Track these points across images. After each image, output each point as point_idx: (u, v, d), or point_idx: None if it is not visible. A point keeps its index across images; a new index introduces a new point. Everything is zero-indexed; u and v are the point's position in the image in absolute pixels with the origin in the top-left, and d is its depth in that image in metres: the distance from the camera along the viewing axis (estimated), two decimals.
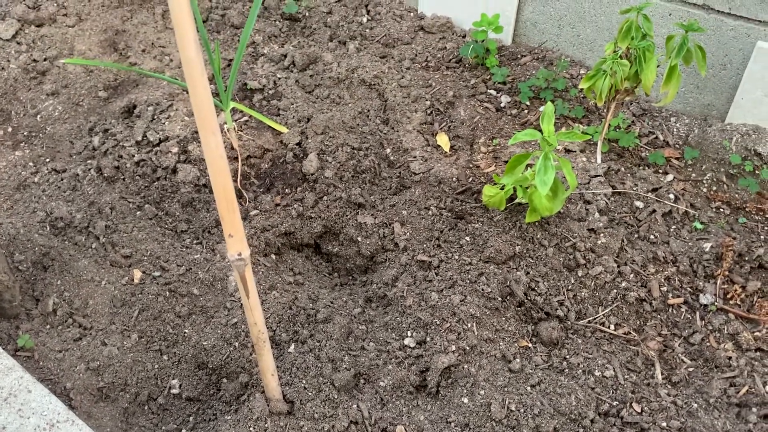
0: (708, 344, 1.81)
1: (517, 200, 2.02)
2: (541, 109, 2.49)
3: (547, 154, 1.74)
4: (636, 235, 2.03)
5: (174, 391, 1.79)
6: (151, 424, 1.74)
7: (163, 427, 1.74)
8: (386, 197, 2.25)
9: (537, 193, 1.81)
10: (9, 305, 1.82)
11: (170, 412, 1.77)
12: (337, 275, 2.20)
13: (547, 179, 1.72)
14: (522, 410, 1.59)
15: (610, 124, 2.27)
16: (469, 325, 1.75)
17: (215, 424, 1.70)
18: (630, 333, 1.85)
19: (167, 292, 1.92)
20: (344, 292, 2.08)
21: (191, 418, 1.76)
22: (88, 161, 2.34)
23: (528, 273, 1.90)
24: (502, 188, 1.97)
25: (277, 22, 2.95)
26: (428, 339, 1.75)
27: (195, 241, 2.09)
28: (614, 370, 1.74)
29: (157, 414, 1.76)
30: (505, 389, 1.64)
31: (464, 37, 2.77)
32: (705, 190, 2.18)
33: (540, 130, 1.81)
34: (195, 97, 1.11)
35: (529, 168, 1.95)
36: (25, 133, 2.56)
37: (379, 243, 2.12)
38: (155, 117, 2.44)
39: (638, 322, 1.88)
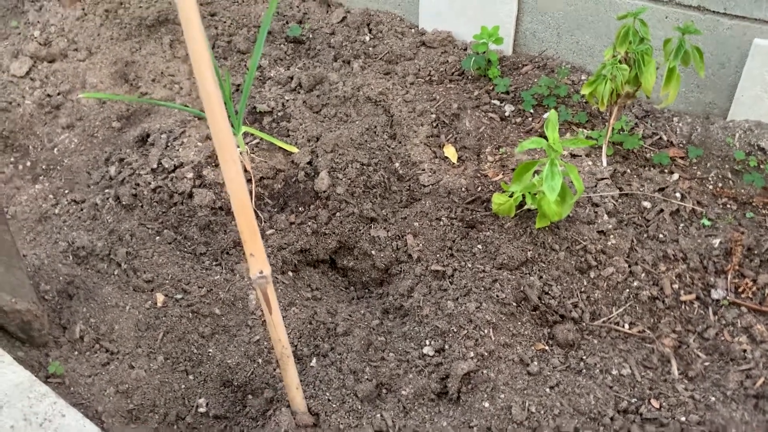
0: (722, 338, 1.84)
1: (526, 207, 2.06)
2: (545, 115, 2.54)
3: (553, 161, 1.79)
4: (645, 235, 2.06)
5: (201, 409, 1.83)
6: None
7: None
8: (397, 210, 2.29)
9: (546, 199, 1.85)
10: (38, 334, 1.88)
11: (198, 431, 1.82)
12: (354, 289, 2.25)
13: (555, 185, 1.77)
14: (542, 411, 1.62)
15: (613, 128, 2.31)
16: (486, 331, 1.79)
17: None
18: (644, 331, 1.88)
19: (190, 314, 1.97)
20: (361, 305, 2.12)
21: None
22: (106, 190, 2.41)
23: (541, 277, 1.94)
24: (511, 196, 2.01)
25: (282, 46, 3.02)
26: (446, 347, 1.79)
27: (214, 263, 2.14)
28: (631, 368, 1.77)
29: None
30: (525, 392, 1.68)
31: (465, 50, 2.83)
32: (711, 187, 2.21)
33: (545, 138, 1.85)
34: (215, 127, 1.17)
35: (536, 175, 2.00)
36: (43, 167, 2.63)
37: (393, 255, 2.16)
38: (169, 144, 2.50)
39: (652, 320, 1.91)
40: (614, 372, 1.76)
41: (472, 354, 1.74)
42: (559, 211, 1.88)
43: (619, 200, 2.14)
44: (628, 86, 2.11)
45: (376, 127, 2.58)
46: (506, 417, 1.61)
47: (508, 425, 1.59)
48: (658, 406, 1.68)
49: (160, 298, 2.01)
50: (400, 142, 2.53)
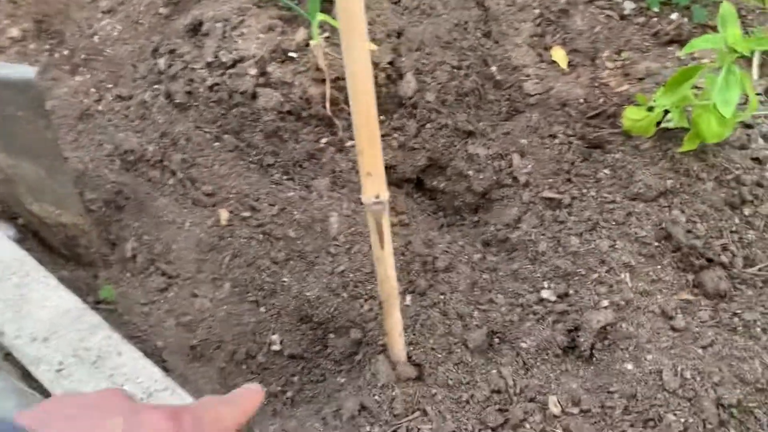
0: None
1: (663, 124, 1.70)
2: (673, 16, 2.12)
3: (730, 67, 1.41)
4: None
5: (275, 347, 1.58)
6: None
7: (265, 389, 1.53)
8: (497, 123, 1.94)
9: (706, 116, 1.48)
10: (85, 251, 1.61)
11: (272, 372, 1.56)
12: (443, 214, 1.93)
13: (731, 98, 1.39)
14: (698, 378, 1.32)
15: None
16: (623, 275, 1.48)
17: (324, 386, 1.49)
18: None
19: (260, 235, 1.68)
20: (455, 233, 1.81)
21: (296, 378, 1.55)
22: (155, 86, 2.07)
23: (683, 212, 1.60)
24: (650, 110, 1.64)
25: None
26: (572, 292, 1.48)
27: (285, 177, 1.83)
28: None
29: (257, 374, 1.56)
30: (672, 352, 1.38)
31: None
32: None
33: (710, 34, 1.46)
34: None
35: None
36: (82, 56, 2.30)
37: (494, 177, 1.83)
38: (226, 35, 2.14)
39: None
40: None
41: (606, 303, 1.43)
42: (720, 132, 1.52)
43: None
44: None
45: (467, 22, 2.17)
46: (655, 383, 1.32)
47: (657, 393, 1.30)
48: None
49: (224, 214, 1.72)
50: (496, 42, 2.13)
